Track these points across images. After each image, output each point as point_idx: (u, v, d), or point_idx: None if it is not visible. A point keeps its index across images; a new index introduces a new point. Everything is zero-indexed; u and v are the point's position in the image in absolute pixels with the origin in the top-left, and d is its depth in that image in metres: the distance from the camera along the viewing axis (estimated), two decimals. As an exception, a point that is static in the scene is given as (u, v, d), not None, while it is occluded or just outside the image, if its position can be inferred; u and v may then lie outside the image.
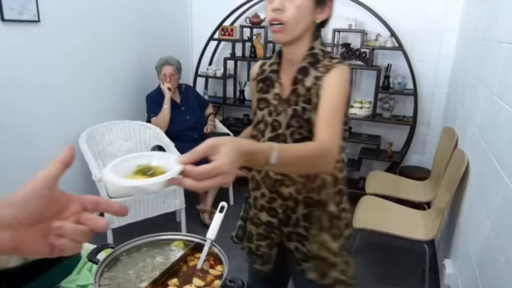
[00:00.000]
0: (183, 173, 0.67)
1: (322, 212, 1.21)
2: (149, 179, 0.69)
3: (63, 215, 0.55)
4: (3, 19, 2.20)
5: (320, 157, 0.93)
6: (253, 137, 1.25)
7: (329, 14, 1.14)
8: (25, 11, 2.32)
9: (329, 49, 1.20)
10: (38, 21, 2.41)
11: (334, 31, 3.32)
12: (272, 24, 1.09)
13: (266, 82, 1.21)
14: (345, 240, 1.26)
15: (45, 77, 2.53)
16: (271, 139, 1.17)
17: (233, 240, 1.46)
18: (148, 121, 3.20)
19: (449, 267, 2.11)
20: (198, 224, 3.14)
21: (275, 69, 1.20)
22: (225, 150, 0.69)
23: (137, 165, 0.73)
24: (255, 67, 1.29)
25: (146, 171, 0.72)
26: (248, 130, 1.35)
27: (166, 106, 3.13)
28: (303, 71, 1.12)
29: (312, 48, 1.14)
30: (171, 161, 0.70)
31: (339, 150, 1.01)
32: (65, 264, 1.16)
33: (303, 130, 1.13)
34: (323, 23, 1.16)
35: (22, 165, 2.47)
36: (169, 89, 3.13)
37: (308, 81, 1.11)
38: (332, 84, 1.07)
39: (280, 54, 1.21)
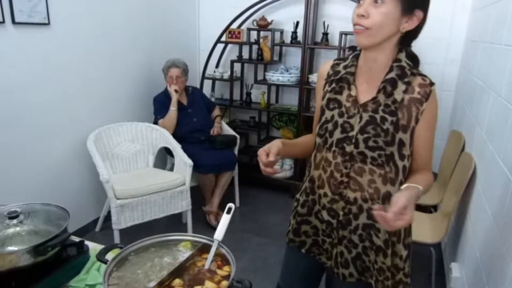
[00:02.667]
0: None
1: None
2: None
3: None
4: (14, 22, 2.23)
5: (431, 185, 1.18)
6: (320, 136, 1.24)
7: (417, 24, 1.11)
8: (35, 14, 2.35)
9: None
10: (48, 23, 2.44)
11: (341, 34, 3.33)
12: (354, 25, 1.10)
13: (340, 83, 1.21)
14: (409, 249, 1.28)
15: (54, 79, 2.56)
16: (340, 141, 1.18)
17: (289, 240, 1.42)
18: (155, 123, 3.22)
19: (455, 270, 2.11)
20: (204, 226, 3.15)
21: (352, 71, 1.19)
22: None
23: None
24: (326, 66, 1.28)
25: None
26: (303, 138, 1.39)
27: (173, 108, 3.15)
28: (392, 82, 1.12)
29: (398, 60, 1.13)
30: None
31: None
32: (73, 264, 1.17)
33: (379, 139, 1.13)
34: (410, 34, 1.14)
35: (29, 164, 2.50)
36: (176, 91, 3.15)
37: (398, 95, 1.12)
38: (434, 118, 1.15)
39: (357, 57, 1.21)
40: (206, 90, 3.92)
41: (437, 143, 3.70)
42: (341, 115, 1.18)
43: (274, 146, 1.16)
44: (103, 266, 1.16)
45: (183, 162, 2.90)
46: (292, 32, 3.56)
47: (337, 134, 1.18)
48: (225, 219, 1.07)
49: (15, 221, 1.12)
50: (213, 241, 1.04)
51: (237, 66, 3.91)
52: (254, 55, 3.80)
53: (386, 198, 1.17)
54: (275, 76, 3.58)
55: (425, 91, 1.11)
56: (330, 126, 1.20)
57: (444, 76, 3.35)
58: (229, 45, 3.97)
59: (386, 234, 1.20)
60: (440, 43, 3.29)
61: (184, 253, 1.05)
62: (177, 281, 0.94)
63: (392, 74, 1.12)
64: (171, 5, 3.64)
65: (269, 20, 3.60)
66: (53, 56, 2.53)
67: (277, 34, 3.69)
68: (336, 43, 3.39)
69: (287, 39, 3.68)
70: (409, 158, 1.16)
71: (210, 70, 3.95)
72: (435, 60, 3.33)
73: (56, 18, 2.50)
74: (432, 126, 1.15)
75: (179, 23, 3.80)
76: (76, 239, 1.26)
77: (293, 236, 1.38)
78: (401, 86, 1.12)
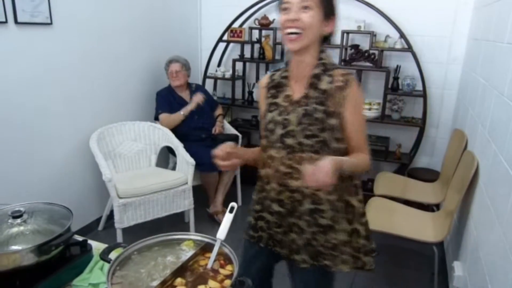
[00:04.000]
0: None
1: (341, 202, 1.34)
2: None
3: None
4: (16, 22, 2.24)
5: (365, 165, 1.29)
6: (263, 137, 1.38)
7: (332, 29, 1.28)
8: (38, 14, 2.36)
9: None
10: (51, 23, 2.45)
11: (343, 32, 3.32)
12: (288, 34, 1.22)
13: (277, 88, 1.36)
14: (363, 226, 1.41)
15: (56, 79, 2.56)
16: (281, 136, 1.31)
17: (249, 236, 1.52)
18: (156, 117, 3.23)
19: (458, 269, 2.10)
20: (207, 225, 3.16)
21: (285, 75, 1.36)
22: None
23: None
24: (264, 79, 1.44)
25: None
26: (256, 151, 1.47)
27: (182, 113, 3.17)
28: (317, 77, 1.28)
29: (321, 58, 1.29)
30: None
31: None
32: (77, 263, 1.18)
33: (313, 128, 1.26)
34: (327, 37, 1.31)
35: (32, 164, 2.50)
36: (178, 86, 3.20)
37: (323, 85, 1.27)
38: (357, 102, 1.28)
39: (287, 64, 1.37)
40: (208, 89, 3.92)
41: (439, 141, 3.71)
42: (280, 114, 1.32)
43: (228, 145, 1.32)
44: (106, 265, 1.17)
45: (185, 161, 2.90)
46: (294, 31, 3.55)
47: (279, 131, 1.31)
48: (228, 218, 1.08)
49: (19, 220, 1.13)
50: (215, 240, 1.04)
51: (239, 65, 3.91)
52: (256, 54, 3.80)
53: None
54: (277, 75, 3.58)
55: (345, 78, 1.27)
56: (271, 125, 1.34)
57: (447, 74, 3.34)
58: (231, 44, 3.97)
59: (331, 211, 1.32)
60: (443, 42, 3.28)
61: (187, 252, 1.06)
62: (180, 280, 0.95)
63: (317, 70, 1.28)
64: (173, 5, 3.64)
65: (270, 19, 3.60)
66: (55, 56, 2.54)
67: (279, 33, 3.69)
68: (338, 42, 3.38)
69: (289, 38, 3.67)
70: (342, 141, 1.29)
71: (212, 69, 3.95)
72: (437, 58, 3.32)
73: (59, 18, 2.50)
74: (358, 110, 1.29)
75: (181, 22, 3.81)
76: (80, 238, 1.27)
77: (252, 232, 1.49)
78: (326, 78, 1.27)
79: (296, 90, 1.32)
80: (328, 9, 1.23)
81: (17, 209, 1.15)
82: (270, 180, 1.37)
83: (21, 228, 1.12)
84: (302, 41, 1.22)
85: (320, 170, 1.09)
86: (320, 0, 1.20)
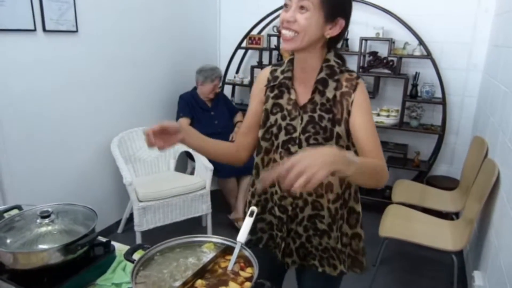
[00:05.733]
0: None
1: (344, 208, 1.31)
2: None
3: None
4: (44, 30, 2.32)
5: (382, 173, 1.12)
6: (266, 140, 1.31)
7: (340, 31, 1.19)
8: (64, 22, 2.44)
9: (347, 62, 1.29)
10: (76, 31, 2.53)
11: (361, 39, 3.32)
12: (284, 33, 1.16)
13: (280, 88, 1.28)
14: (363, 230, 1.37)
15: (80, 84, 2.64)
16: (285, 142, 1.26)
17: (251, 242, 1.46)
18: (177, 119, 3.29)
19: (478, 279, 2.07)
20: (224, 229, 3.18)
21: (289, 76, 1.27)
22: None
23: None
24: (265, 72, 1.34)
25: None
26: (220, 142, 1.42)
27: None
28: (323, 82, 1.21)
29: (327, 60, 1.22)
30: None
31: None
32: (101, 263, 1.21)
33: (319, 137, 1.22)
34: (336, 39, 1.22)
35: (56, 168, 2.58)
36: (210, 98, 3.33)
37: (329, 93, 1.20)
38: (364, 106, 1.19)
39: (292, 61, 1.28)
40: (227, 95, 3.97)
41: (458, 149, 3.66)
42: (283, 118, 1.26)
43: (172, 122, 1.17)
44: (128, 266, 1.20)
45: (203, 166, 2.94)
46: (312, 38, 3.57)
47: (282, 137, 1.26)
48: (248, 222, 1.10)
49: (47, 220, 1.17)
50: (236, 243, 1.06)
51: (257, 72, 3.94)
52: (274, 61, 3.83)
53: (329, 188, 1.26)
54: (295, 81, 3.59)
55: (351, 83, 1.20)
56: (274, 129, 1.28)
57: (467, 81, 3.30)
58: (250, 51, 4.01)
59: (329, 218, 1.28)
60: (462, 48, 3.25)
61: (208, 254, 1.08)
62: (201, 282, 0.97)
63: (323, 74, 1.21)
64: (193, 13, 3.71)
65: (289, 26, 3.62)
66: (80, 62, 2.62)
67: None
68: (356, 49, 3.39)
69: (307, 44, 3.69)
70: (348, 148, 1.23)
71: (230, 76, 4.00)
72: (457, 65, 3.29)
73: (84, 26, 2.58)
74: (366, 111, 1.20)
75: (201, 30, 3.87)
76: (103, 239, 1.31)
77: (250, 236, 1.41)
78: (332, 84, 1.20)
79: (301, 93, 1.25)
80: (331, 11, 1.13)
81: (45, 209, 1.19)
82: (273, 184, 1.32)
83: (49, 228, 1.17)
84: (296, 42, 1.15)
85: (297, 165, 0.87)
86: (321, 1, 1.11)
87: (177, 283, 0.95)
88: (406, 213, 2.60)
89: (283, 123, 1.26)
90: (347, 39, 3.46)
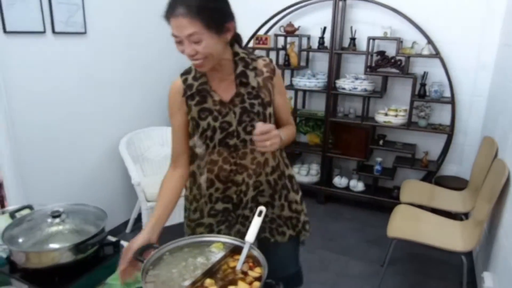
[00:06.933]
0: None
1: (284, 178, 1.44)
2: None
3: None
4: (53, 32, 2.35)
5: (294, 133, 1.44)
6: (199, 146, 1.35)
7: (234, 32, 1.24)
8: (73, 24, 2.46)
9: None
10: (85, 33, 2.55)
11: (369, 39, 3.31)
12: (194, 63, 1.21)
13: (201, 94, 1.30)
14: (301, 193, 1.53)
15: (89, 85, 2.67)
16: (222, 139, 1.31)
17: None
18: None
19: (488, 280, 2.05)
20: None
21: (204, 81, 1.30)
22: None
23: None
24: (177, 85, 1.35)
25: None
26: (167, 192, 1.45)
27: None
28: (243, 75, 1.29)
29: (237, 53, 1.30)
30: None
31: None
32: (110, 262, 1.23)
33: (254, 122, 1.28)
34: (235, 38, 1.30)
35: (66, 168, 2.60)
36: None
37: (253, 81, 1.29)
38: (282, 88, 1.39)
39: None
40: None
41: (467, 149, 3.61)
42: (215, 119, 1.30)
43: (129, 249, 1.15)
44: (140, 265, 1.21)
45: (211, 166, 2.95)
46: (319, 38, 3.57)
47: (218, 136, 1.31)
48: (256, 221, 1.10)
49: (57, 220, 1.19)
50: (244, 243, 1.06)
51: (264, 72, 3.94)
52: (281, 61, 3.83)
53: (265, 164, 1.37)
54: (302, 81, 3.59)
55: (270, 68, 1.33)
56: (209, 132, 1.31)
57: (476, 81, 3.27)
58: (256, 51, 4.01)
59: (270, 189, 1.40)
60: (472, 48, 3.22)
61: (216, 254, 1.09)
62: (210, 281, 0.97)
63: (240, 68, 1.29)
64: (200, 13, 3.72)
65: (296, 26, 3.62)
66: (88, 64, 2.64)
67: (304, 40, 3.71)
68: (364, 48, 3.38)
69: (314, 44, 3.69)
70: (277, 125, 1.33)
71: (237, 76, 4.00)
72: (466, 65, 3.26)
73: (92, 28, 2.61)
74: (283, 92, 1.39)
75: (207, 30, 3.88)
76: (113, 238, 1.32)
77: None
78: (251, 74, 1.30)
79: (223, 91, 1.30)
80: (217, 25, 1.16)
81: (56, 209, 1.21)
82: (211, 184, 1.36)
83: (60, 227, 1.18)
84: (210, 63, 1.20)
85: (271, 132, 1.14)
86: (205, 26, 1.12)
87: (186, 283, 0.95)
88: (414, 214, 2.59)
89: (217, 124, 1.30)
90: (354, 39, 3.45)
